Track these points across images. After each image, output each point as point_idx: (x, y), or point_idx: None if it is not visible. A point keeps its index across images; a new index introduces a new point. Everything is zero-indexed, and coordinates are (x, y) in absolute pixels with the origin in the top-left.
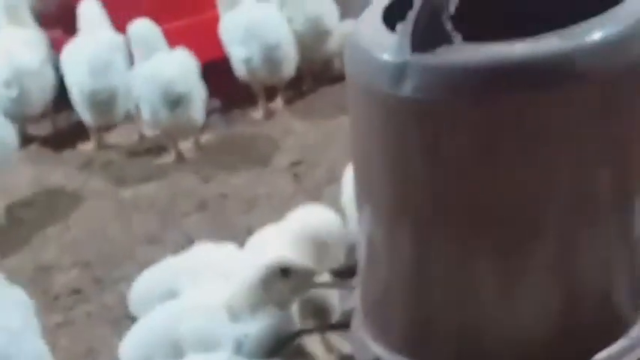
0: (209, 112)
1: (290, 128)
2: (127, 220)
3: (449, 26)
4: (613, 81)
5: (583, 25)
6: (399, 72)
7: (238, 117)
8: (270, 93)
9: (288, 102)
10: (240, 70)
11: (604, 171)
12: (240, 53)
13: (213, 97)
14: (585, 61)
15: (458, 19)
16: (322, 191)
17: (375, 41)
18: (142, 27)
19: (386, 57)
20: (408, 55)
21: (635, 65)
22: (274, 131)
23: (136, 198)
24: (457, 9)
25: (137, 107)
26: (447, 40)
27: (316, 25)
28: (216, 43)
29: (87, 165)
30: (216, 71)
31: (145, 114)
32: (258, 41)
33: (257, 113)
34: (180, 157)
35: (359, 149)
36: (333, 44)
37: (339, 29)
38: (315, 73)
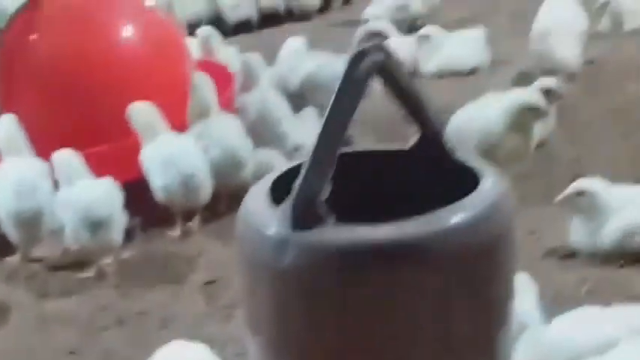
0: (129, 230)
1: (205, 248)
2: (48, 333)
3: (324, 209)
4: (467, 260)
5: (441, 211)
6: (279, 247)
7: (156, 235)
8: (188, 213)
9: (205, 222)
10: (159, 195)
11: (467, 324)
12: (159, 181)
13: (133, 215)
14: (440, 243)
15: (334, 199)
16: (235, 311)
17: (260, 217)
18: (65, 157)
19: (268, 233)
20: (286, 234)
21: (487, 245)
22: (190, 250)
23: (58, 311)
24: (333, 190)
25: (61, 226)
26: (321, 221)
27: (231, 155)
28: (137, 164)
29: (12, 277)
30: (136, 191)
31: (68, 235)
32: (175, 170)
33: (174, 232)
34: (100, 273)
35: (246, 296)
36: (247, 172)
37: (254, 158)
38: (231, 196)
